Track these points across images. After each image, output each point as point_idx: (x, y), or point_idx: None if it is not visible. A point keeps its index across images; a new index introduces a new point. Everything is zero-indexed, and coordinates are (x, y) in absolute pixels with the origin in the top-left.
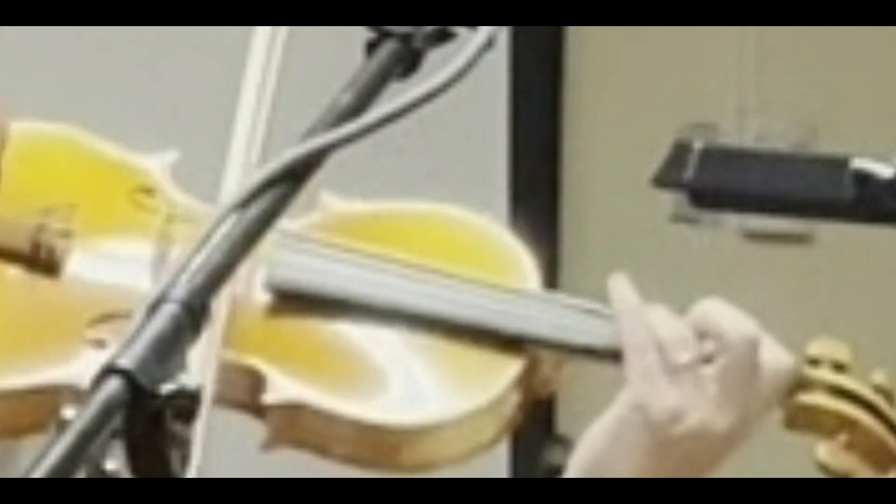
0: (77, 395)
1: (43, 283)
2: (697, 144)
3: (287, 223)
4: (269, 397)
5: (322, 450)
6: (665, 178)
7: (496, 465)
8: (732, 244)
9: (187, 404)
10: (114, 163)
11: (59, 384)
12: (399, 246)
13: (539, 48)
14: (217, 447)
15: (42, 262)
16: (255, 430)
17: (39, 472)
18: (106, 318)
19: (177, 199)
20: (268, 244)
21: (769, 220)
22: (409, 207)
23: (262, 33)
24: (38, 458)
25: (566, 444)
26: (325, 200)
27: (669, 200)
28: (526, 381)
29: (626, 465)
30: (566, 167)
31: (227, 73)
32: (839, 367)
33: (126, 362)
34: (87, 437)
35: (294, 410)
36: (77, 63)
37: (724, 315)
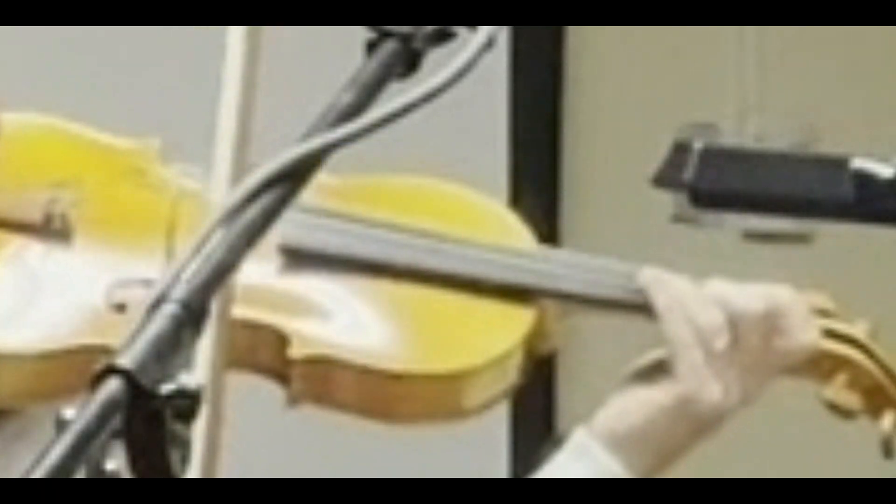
0: (104, 354)
1: (58, 251)
2: (697, 144)
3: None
4: (296, 352)
5: (339, 403)
6: (665, 178)
7: (496, 464)
8: (732, 244)
9: (187, 404)
10: (104, 145)
11: (91, 344)
12: (404, 211)
13: (539, 48)
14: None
15: (55, 231)
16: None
17: (39, 472)
18: (122, 283)
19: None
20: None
21: (769, 220)
22: (409, 179)
23: (235, 33)
24: (38, 458)
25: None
26: (325, 178)
27: (669, 200)
28: (531, 335)
29: (650, 449)
30: (566, 167)
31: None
32: (827, 314)
33: (126, 362)
34: (87, 437)
35: (319, 364)
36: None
37: (739, 295)
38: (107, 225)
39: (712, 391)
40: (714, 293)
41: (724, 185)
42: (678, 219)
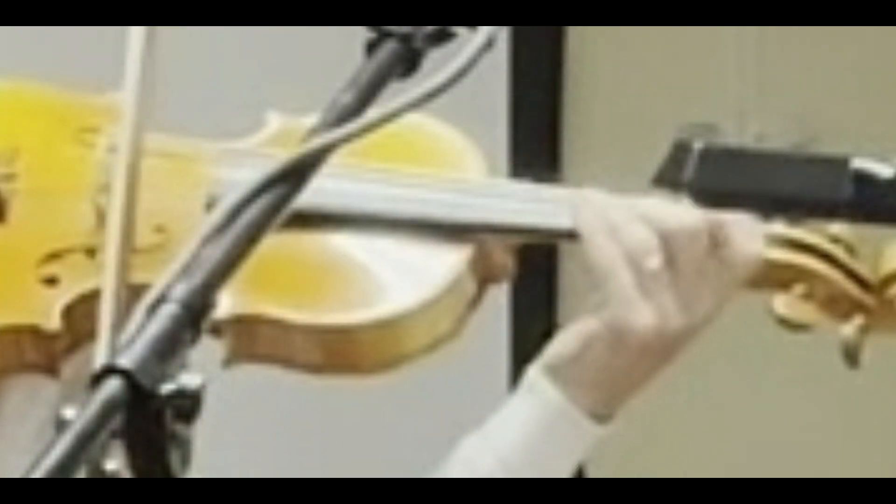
0: (35, 334)
1: None
2: (697, 144)
3: (235, 143)
4: (220, 312)
5: (283, 360)
6: (665, 178)
7: None
8: None
9: (187, 404)
10: (58, 105)
11: (16, 324)
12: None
13: (539, 48)
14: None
15: None
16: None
17: (39, 472)
18: (55, 255)
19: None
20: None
21: (769, 220)
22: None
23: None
24: (38, 458)
25: None
26: (270, 118)
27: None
28: (477, 266)
29: (594, 378)
30: (566, 167)
31: (224, 71)
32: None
33: (126, 362)
34: (87, 437)
35: (245, 323)
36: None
37: (668, 214)
38: (39, 196)
39: (643, 315)
40: (646, 211)
41: (724, 185)
42: None
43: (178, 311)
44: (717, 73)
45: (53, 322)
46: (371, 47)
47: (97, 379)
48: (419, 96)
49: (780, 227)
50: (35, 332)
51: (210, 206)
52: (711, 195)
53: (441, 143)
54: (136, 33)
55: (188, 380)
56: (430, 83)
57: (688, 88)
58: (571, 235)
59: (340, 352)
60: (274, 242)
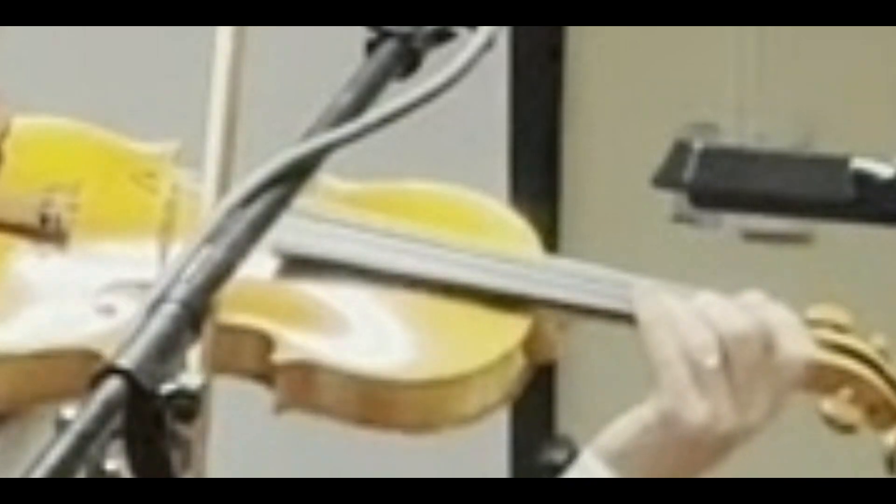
0: (91, 360)
1: (52, 254)
2: (697, 144)
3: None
4: (279, 357)
5: (330, 410)
6: (665, 178)
7: (496, 465)
8: (732, 244)
9: (187, 404)
10: (117, 148)
11: (74, 348)
12: (402, 216)
13: (539, 48)
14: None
15: (50, 234)
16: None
17: (39, 472)
18: (113, 286)
19: (179, 180)
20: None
21: (769, 220)
22: (413, 185)
23: (224, 33)
24: (38, 458)
25: (566, 444)
26: (328, 181)
27: (669, 200)
28: (530, 342)
29: (648, 466)
30: (566, 167)
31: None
32: (839, 329)
33: (126, 362)
34: (87, 437)
35: (303, 369)
36: (81, 61)
37: (721, 314)
38: (102, 229)
39: (696, 410)
40: (704, 311)
41: (724, 185)
42: (678, 219)
43: (178, 311)
44: (717, 73)
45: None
46: (371, 47)
47: (97, 379)
48: (419, 96)
49: (829, 333)
50: (92, 358)
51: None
52: (711, 195)
53: (505, 221)
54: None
55: (188, 380)
56: (430, 83)
57: (688, 88)
58: (630, 320)
59: (385, 405)
60: (340, 295)
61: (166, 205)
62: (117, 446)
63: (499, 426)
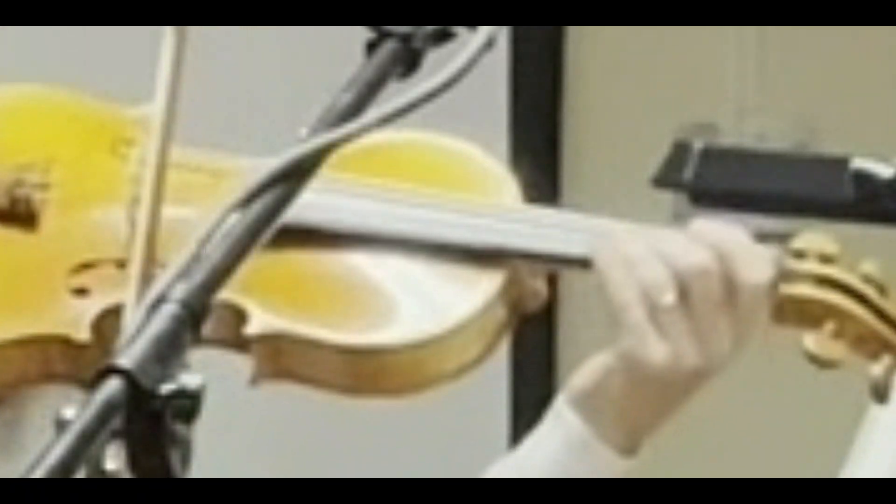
0: (64, 345)
1: (22, 236)
2: (697, 144)
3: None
4: (251, 329)
5: (309, 380)
6: (665, 178)
7: (496, 460)
8: None
9: (187, 404)
10: (95, 115)
11: (45, 334)
12: (370, 171)
13: (539, 48)
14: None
15: (20, 215)
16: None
17: (39, 472)
18: (86, 266)
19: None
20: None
21: (769, 220)
22: (382, 136)
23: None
24: (38, 458)
25: None
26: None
27: (669, 200)
28: (509, 294)
29: (616, 408)
30: (566, 167)
31: (226, 69)
32: (826, 259)
33: (126, 362)
34: (87, 437)
35: (276, 340)
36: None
37: (674, 249)
38: (72, 207)
39: (656, 350)
40: (657, 247)
41: (724, 185)
42: (678, 219)
43: (178, 310)
44: (716, 73)
45: (83, 333)
46: (371, 47)
47: (97, 379)
48: (419, 96)
49: (810, 264)
50: (64, 342)
51: None
52: (711, 195)
53: (477, 168)
54: (167, 41)
55: (188, 380)
56: (430, 83)
57: (688, 88)
58: (585, 265)
59: (368, 373)
60: (308, 260)
61: (131, 178)
62: (117, 446)
63: (499, 423)
